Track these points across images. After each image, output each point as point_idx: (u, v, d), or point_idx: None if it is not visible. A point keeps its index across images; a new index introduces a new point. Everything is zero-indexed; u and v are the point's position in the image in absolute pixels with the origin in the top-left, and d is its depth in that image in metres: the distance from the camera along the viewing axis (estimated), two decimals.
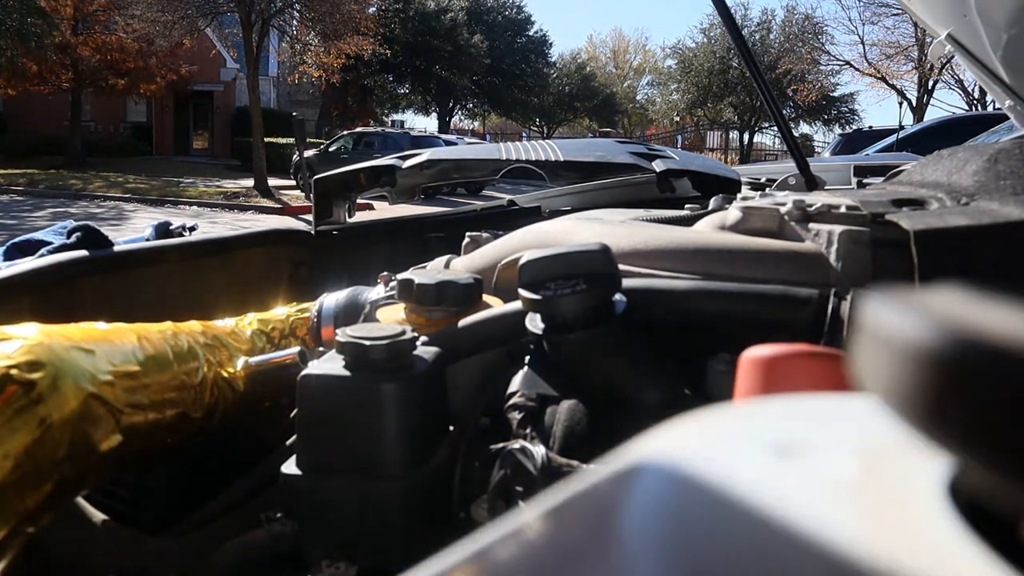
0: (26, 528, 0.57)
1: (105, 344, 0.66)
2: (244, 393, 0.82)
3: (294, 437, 0.59)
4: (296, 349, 0.83)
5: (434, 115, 31.08)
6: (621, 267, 0.58)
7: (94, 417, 0.61)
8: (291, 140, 16.95)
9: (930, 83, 18.95)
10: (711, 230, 0.71)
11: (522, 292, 0.54)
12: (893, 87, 20.04)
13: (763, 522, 0.16)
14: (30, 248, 1.10)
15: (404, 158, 1.43)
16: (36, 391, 0.57)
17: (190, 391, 0.74)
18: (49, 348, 0.60)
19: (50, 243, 1.09)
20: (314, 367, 0.56)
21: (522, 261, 0.55)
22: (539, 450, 0.51)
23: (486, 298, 0.71)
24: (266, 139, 14.39)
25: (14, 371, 0.57)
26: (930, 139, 6.57)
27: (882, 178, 1.09)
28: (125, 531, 0.70)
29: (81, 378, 0.60)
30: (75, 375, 0.60)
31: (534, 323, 0.57)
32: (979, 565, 0.13)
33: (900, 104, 17.58)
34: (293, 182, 14.72)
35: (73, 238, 1.08)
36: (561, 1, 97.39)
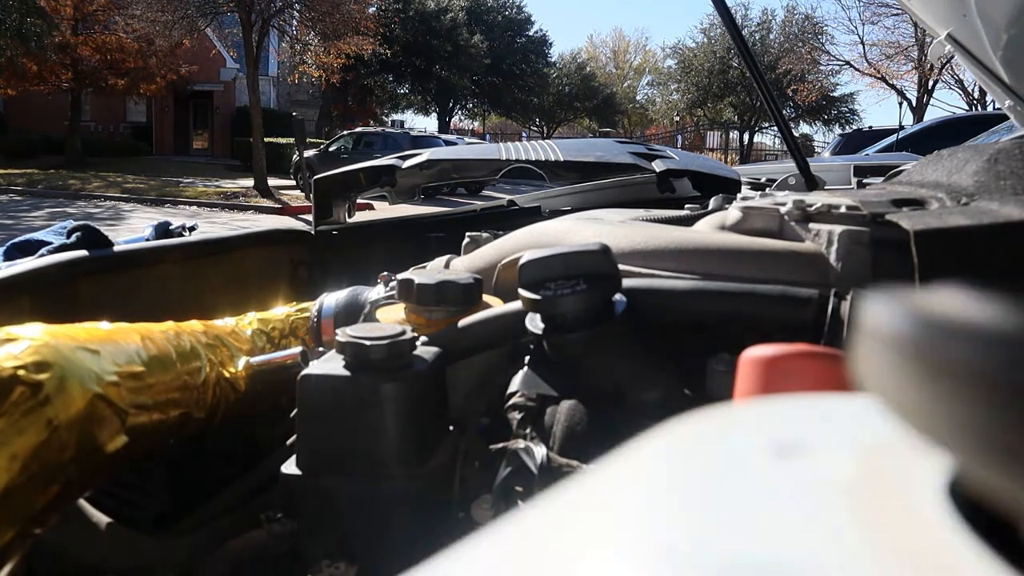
0: (33, 530, 0.57)
1: (109, 344, 0.66)
2: (246, 393, 0.82)
3: (294, 437, 0.59)
4: (298, 349, 0.83)
5: (434, 115, 31.09)
6: (621, 267, 0.58)
7: (100, 418, 0.60)
8: (291, 140, 16.94)
9: (930, 83, 18.94)
10: (711, 230, 0.71)
11: (522, 292, 0.54)
12: (893, 87, 20.03)
13: (762, 523, 0.16)
14: (30, 248, 1.10)
15: (404, 158, 1.42)
16: (43, 392, 0.56)
17: (193, 391, 0.74)
18: (55, 349, 0.59)
19: (50, 243, 1.09)
20: (314, 367, 0.56)
21: (522, 261, 0.55)
22: (540, 450, 0.51)
23: (486, 298, 0.71)
24: (266, 139, 14.40)
25: (21, 372, 0.56)
26: (930, 139, 6.58)
27: (882, 178, 1.09)
28: (125, 531, 0.70)
29: (87, 379, 0.60)
30: (81, 376, 0.60)
31: (534, 323, 0.57)
32: (979, 565, 0.13)
33: (900, 104, 17.62)
34: (293, 182, 14.72)
35: (73, 238, 1.07)
36: (561, 1, 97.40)
